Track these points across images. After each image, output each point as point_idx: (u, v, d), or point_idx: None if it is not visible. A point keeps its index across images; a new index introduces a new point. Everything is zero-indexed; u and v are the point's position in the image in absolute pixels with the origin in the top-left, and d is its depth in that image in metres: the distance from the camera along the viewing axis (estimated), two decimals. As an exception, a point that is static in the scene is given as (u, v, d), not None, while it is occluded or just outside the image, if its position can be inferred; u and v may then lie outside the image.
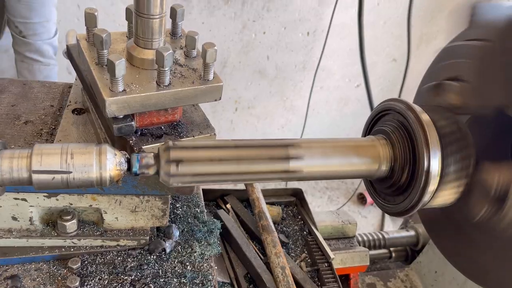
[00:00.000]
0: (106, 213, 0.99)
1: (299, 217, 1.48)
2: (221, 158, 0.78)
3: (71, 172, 0.70)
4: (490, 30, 0.91)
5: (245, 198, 1.45)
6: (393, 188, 0.92)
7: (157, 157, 0.76)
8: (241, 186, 1.48)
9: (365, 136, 1.00)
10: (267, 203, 1.40)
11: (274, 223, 1.38)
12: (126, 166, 0.75)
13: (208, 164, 0.78)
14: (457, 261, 1.02)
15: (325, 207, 3.53)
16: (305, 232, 1.42)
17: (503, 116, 0.83)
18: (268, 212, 1.34)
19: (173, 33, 1.01)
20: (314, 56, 3.28)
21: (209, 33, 3.00)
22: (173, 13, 0.98)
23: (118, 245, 1.01)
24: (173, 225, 1.08)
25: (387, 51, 3.48)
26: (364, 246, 1.79)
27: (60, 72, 2.79)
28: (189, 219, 1.13)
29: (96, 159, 0.71)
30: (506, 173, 0.84)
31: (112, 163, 0.73)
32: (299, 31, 3.19)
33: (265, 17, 3.04)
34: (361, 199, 3.62)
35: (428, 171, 0.83)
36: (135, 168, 0.74)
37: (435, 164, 0.83)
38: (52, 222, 1.00)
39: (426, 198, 0.86)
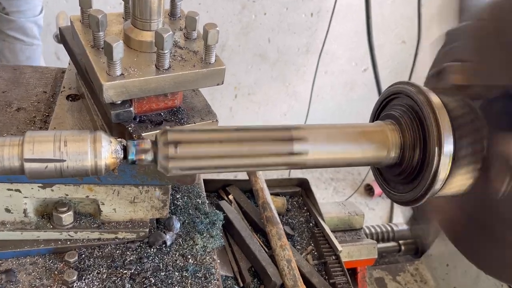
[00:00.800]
0: (103, 204, 1.00)
1: (305, 208, 1.49)
2: (221, 140, 0.78)
3: (64, 161, 0.71)
4: (483, 10, 0.92)
5: (248, 189, 1.46)
6: (402, 176, 0.93)
7: (154, 143, 0.76)
8: (243, 176, 1.49)
9: (373, 121, 1.01)
10: (271, 194, 1.41)
11: (279, 214, 1.40)
12: (122, 153, 0.75)
13: (208, 147, 0.77)
14: (481, 261, 1.02)
15: (331, 199, 3.56)
16: (311, 224, 1.44)
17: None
18: (273, 203, 1.36)
19: (172, 14, 1.01)
20: (318, 39, 3.27)
21: (206, 15, 2.99)
22: (172, -7, 0.98)
23: (116, 237, 1.02)
24: (174, 216, 1.09)
25: (395, 32, 3.47)
26: (372, 238, 1.81)
27: (49, 57, 2.79)
28: (190, 211, 1.14)
29: (90, 146, 0.72)
30: None
31: (107, 150, 0.73)
32: (302, 12, 3.17)
33: (265, -4, 3.03)
34: (369, 191, 3.64)
35: (439, 157, 0.84)
36: (131, 155, 0.74)
37: (446, 149, 0.84)
38: (47, 214, 1.01)
39: (438, 186, 0.87)
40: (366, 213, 1.60)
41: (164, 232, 1.05)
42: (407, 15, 3.32)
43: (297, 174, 3.56)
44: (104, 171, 0.74)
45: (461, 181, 0.90)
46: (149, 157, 0.75)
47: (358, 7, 2.96)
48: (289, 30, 3.22)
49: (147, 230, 1.03)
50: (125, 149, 0.75)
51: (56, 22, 1.67)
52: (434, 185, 0.86)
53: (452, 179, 0.88)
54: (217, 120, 0.99)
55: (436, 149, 0.84)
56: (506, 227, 0.92)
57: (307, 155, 0.83)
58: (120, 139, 0.76)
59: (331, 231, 1.40)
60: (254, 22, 3.13)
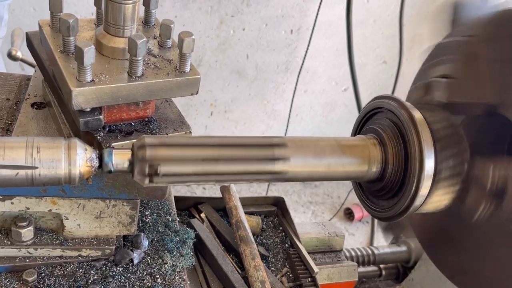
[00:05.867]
0: (67, 219, 0.99)
1: (280, 228, 1.50)
2: (202, 157, 0.81)
3: (37, 168, 0.71)
4: (474, 26, 0.99)
5: (221, 207, 1.47)
6: (383, 191, 0.96)
7: (131, 153, 0.78)
8: (216, 193, 1.50)
9: (354, 136, 1.04)
10: (245, 213, 1.42)
11: (253, 234, 1.40)
12: (98, 162, 0.76)
13: (188, 164, 0.80)
14: (455, 276, 1.07)
15: (309, 223, 3.57)
16: (286, 245, 1.45)
17: (495, 115, 0.89)
18: (247, 222, 1.37)
19: (146, 22, 1.04)
20: (298, 56, 3.34)
21: (182, 29, 3.01)
22: (147, 0, 1.01)
23: (79, 255, 1.02)
24: (142, 234, 1.09)
25: (377, 52, 3.58)
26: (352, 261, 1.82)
27: (13, 69, 2.76)
28: (159, 228, 1.14)
29: (65, 153, 0.73)
30: (502, 168, 0.89)
31: (82, 158, 0.74)
32: (282, 28, 3.25)
33: (244, 12, 3.09)
34: (348, 215, 3.67)
35: (420, 173, 0.87)
36: (108, 164, 0.76)
37: (428, 165, 0.88)
38: (5, 229, 1.00)
39: (418, 202, 0.91)
40: (345, 238, 1.62)
41: (131, 250, 1.05)
42: (388, 35, 3.43)
43: (273, 193, 3.58)
44: (78, 179, 0.75)
45: (442, 196, 0.94)
46: (125, 167, 0.77)
47: (338, 25, 3.05)
48: (268, 47, 3.28)
49: (113, 247, 1.03)
50: (100, 158, 0.76)
51: (11, 39, 1.66)
52: (415, 201, 0.90)
53: (433, 194, 0.91)
54: (190, 132, 1.00)
55: (418, 164, 0.87)
56: (475, 246, 0.97)
57: (288, 169, 0.88)
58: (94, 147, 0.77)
59: (310, 253, 1.41)
60: (233, 37, 3.18)
